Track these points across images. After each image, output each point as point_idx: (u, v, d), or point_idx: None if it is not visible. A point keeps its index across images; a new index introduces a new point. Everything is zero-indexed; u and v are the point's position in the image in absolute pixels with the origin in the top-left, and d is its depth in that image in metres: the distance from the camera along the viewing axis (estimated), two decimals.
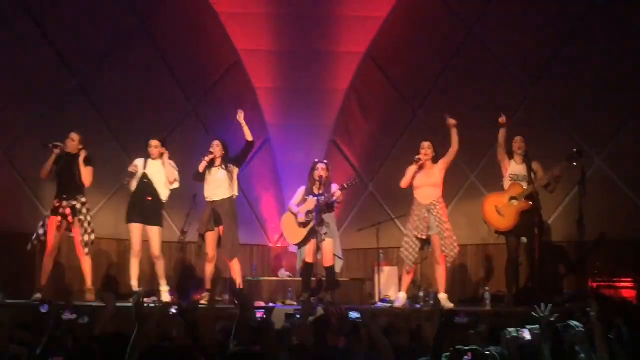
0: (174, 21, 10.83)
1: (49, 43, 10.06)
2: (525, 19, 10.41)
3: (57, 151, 8.61)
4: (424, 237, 8.65)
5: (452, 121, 8.71)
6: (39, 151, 8.81)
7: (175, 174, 8.87)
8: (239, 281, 9.00)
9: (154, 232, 8.80)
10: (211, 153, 8.89)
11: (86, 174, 8.64)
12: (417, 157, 8.76)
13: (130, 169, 8.78)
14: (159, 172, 8.86)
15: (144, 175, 8.79)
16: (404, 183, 8.80)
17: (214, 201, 8.92)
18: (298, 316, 6.03)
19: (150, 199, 8.77)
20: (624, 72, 9.91)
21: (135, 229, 8.78)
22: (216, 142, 8.97)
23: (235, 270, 9.01)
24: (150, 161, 8.87)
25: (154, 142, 8.86)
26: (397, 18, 10.97)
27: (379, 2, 11.07)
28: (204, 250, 8.99)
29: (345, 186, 9.03)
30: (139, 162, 8.85)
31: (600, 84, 9.99)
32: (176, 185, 8.91)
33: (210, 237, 8.91)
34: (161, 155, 8.88)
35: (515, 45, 10.46)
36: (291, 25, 11.07)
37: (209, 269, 8.97)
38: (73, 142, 8.73)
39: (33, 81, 9.92)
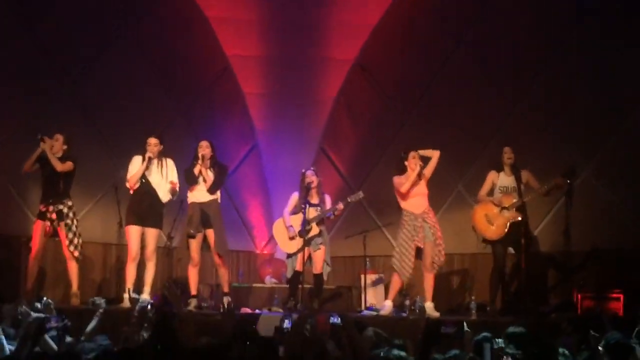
0: (163, 26, 10.79)
1: (38, 45, 10.02)
2: (514, 28, 10.42)
3: (43, 145, 8.54)
4: (421, 246, 8.61)
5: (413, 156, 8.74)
6: (25, 152, 8.76)
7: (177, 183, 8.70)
8: (226, 287, 8.90)
9: (152, 234, 8.60)
10: (203, 156, 8.71)
11: (56, 162, 8.53)
12: (418, 165, 8.68)
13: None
14: (158, 173, 8.70)
15: (143, 176, 8.60)
16: (405, 188, 8.70)
17: (201, 202, 8.73)
18: (288, 327, 5.91)
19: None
20: (612, 81, 9.92)
21: (134, 231, 8.57)
22: (205, 143, 8.73)
23: (223, 274, 8.87)
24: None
25: (153, 140, 8.61)
26: (388, 25, 10.95)
27: (369, 9, 11.04)
28: (188, 254, 8.71)
29: (349, 200, 9.03)
30: (137, 159, 8.67)
31: (588, 95, 10.00)
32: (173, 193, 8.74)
33: (197, 240, 8.69)
34: (160, 156, 8.70)
35: (504, 55, 10.48)
36: (281, 32, 11.04)
37: (194, 274, 8.76)
38: (57, 142, 8.67)
39: (20, 83, 9.87)
